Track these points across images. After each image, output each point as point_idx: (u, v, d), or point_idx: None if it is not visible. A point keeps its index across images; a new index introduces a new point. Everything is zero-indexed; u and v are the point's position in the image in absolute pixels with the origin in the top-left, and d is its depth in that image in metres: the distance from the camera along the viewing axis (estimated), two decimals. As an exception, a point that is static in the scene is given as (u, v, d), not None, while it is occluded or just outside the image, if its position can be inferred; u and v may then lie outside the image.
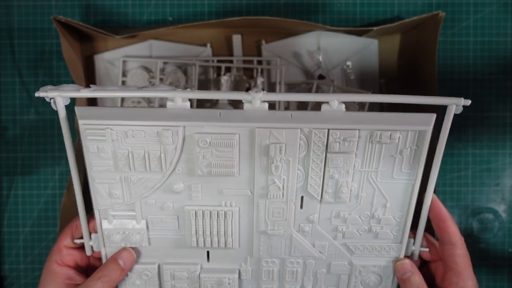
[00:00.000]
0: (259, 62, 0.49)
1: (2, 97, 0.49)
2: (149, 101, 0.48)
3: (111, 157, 0.33)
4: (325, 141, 0.33)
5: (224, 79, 0.47)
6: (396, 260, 0.38)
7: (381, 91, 0.50)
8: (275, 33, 0.49)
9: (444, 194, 0.51)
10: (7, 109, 0.49)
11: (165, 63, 0.48)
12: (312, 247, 0.37)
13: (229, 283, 0.38)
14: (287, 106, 0.47)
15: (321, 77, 0.49)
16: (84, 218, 0.37)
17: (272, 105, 0.46)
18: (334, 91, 0.48)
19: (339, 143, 0.33)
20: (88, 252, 0.38)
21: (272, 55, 0.49)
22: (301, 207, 0.36)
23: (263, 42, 0.49)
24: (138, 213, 0.36)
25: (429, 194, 0.35)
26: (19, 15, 0.48)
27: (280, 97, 0.35)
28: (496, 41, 0.50)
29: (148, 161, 0.34)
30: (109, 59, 0.49)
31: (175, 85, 0.48)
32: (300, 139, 0.33)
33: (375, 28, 0.45)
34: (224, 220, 0.36)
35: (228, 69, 0.48)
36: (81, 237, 0.38)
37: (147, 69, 0.48)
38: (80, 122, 0.32)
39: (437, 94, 0.45)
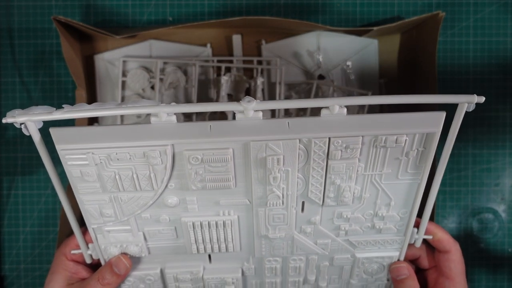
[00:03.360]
0: (259, 62, 0.49)
1: (2, 97, 0.49)
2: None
3: (97, 180, 0.31)
4: (326, 150, 0.30)
5: (224, 79, 0.47)
6: (392, 263, 0.38)
7: (381, 91, 0.50)
8: (275, 33, 0.49)
9: (444, 194, 0.51)
10: (7, 109, 0.49)
11: (165, 63, 0.48)
12: (314, 245, 0.36)
13: (233, 282, 0.38)
14: (287, 108, 0.47)
15: (321, 77, 0.49)
16: (78, 230, 0.36)
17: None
18: (334, 91, 0.48)
19: (341, 151, 0.30)
20: (88, 261, 0.38)
21: (272, 55, 0.49)
22: (302, 210, 0.34)
23: (263, 42, 0.49)
24: (133, 227, 0.35)
25: (436, 185, 0.34)
26: (19, 15, 0.48)
27: (274, 105, 0.29)
28: (496, 41, 0.50)
29: (138, 181, 0.31)
30: (109, 59, 0.49)
31: (175, 85, 0.48)
32: (299, 149, 0.30)
33: (375, 28, 0.45)
34: (224, 229, 0.35)
35: (228, 69, 0.48)
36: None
37: (147, 69, 0.48)
38: (58, 147, 0.30)
39: (437, 94, 0.45)
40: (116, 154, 0.30)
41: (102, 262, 0.38)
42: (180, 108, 0.29)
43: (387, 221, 0.35)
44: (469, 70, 0.50)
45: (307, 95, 0.48)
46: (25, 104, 0.49)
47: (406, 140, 0.30)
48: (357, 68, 0.49)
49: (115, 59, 0.48)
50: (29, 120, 0.29)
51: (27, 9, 0.48)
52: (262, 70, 0.48)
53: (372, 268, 0.38)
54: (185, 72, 0.48)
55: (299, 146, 0.30)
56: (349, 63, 0.49)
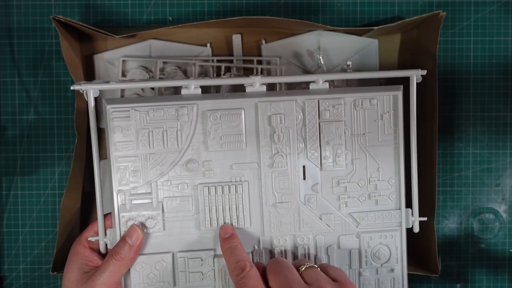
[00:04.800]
0: (259, 62, 0.49)
1: (2, 97, 0.49)
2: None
3: (133, 134, 0.38)
4: (317, 110, 0.39)
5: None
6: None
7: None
8: (275, 33, 0.49)
9: (444, 194, 0.51)
10: (7, 109, 0.49)
11: (164, 62, 0.48)
12: (319, 220, 0.40)
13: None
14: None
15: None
16: (101, 215, 0.38)
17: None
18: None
19: (329, 111, 0.39)
20: (102, 249, 0.39)
21: (272, 55, 0.49)
22: (304, 177, 0.40)
23: (263, 42, 0.49)
24: (154, 195, 0.38)
25: (414, 158, 0.40)
26: (18, 14, 0.48)
27: (275, 79, 0.42)
28: (496, 41, 0.50)
29: (166, 138, 0.38)
30: (109, 58, 0.48)
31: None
32: (296, 110, 0.39)
33: (375, 28, 0.45)
34: (235, 195, 0.39)
35: (228, 69, 0.48)
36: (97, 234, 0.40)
37: (147, 69, 0.48)
38: (108, 107, 0.37)
39: (437, 93, 0.45)
40: (153, 110, 0.38)
41: (118, 238, 0.38)
42: (204, 81, 0.39)
43: (380, 191, 0.40)
44: (469, 70, 0.50)
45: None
46: (25, 104, 0.49)
47: (377, 103, 0.39)
48: (357, 68, 0.49)
49: (115, 58, 0.48)
50: (89, 88, 0.37)
51: (26, 8, 0.48)
52: (262, 70, 0.48)
53: (379, 251, 0.41)
54: (185, 72, 0.48)
55: (295, 108, 0.39)
56: (349, 63, 0.49)
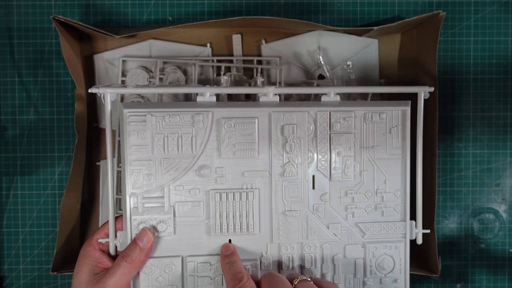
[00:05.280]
0: (259, 62, 0.49)
1: (2, 97, 0.49)
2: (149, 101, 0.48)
3: (149, 139, 0.38)
4: (328, 122, 0.40)
5: (224, 78, 0.47)
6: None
7: (381, 91, 0.50)
8: (275, 33, 0.49)
9: (444, 194, 0.51)
10: (7, 109, 0.49)
11: (164, 62, 0.48)
12: (327, 229, 0.40)
13: (252, 271, 0.40)
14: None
15: (321, 77, 0.49)
16: (112, 217, 0.38)
17: None
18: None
19: (340, 123, 0.40)
20: (112, 251, 0.39)
21: (272, 55, 0.49)
22: (313, 187, 0.40)
23: (263, 42, 0.49)
24: (166, 199, 0.39)
25: (419, 171, 0.41)
26: (18, 14, 0.48)
27: (289, 90, 0.44)
28: (496, 41, 0.50)
29: (181, 143, 0.38)
30: (109, 58, 0.48)
31: (175, 85, 0.48)
32: (308, 121, 0.39)
33: (375, 28, 0.45)
34: (246, 202, 0.39)
35: (228, 69, 0.48)
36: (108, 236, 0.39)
37: (147, 69, 0.48)
38: (126, 111, 0.37)
39: (437, 93, 0.45)
40: (169, 116, 0.38)
41: (129, 241, 0.38)
42: (220, 90, 0.42)
43: (386, 202, 0.41)
44: (469, 70, 0.50)
45: (307, 96, 0.48)
46: (25, 104, 0.49)
47: (386, 117, 0.40)
48: (357, 67, 0.49)
49: (115, 58, 0.48)
50: (107, 91, 0.37)
51: (26, 8, 0.48)
52: (262, 70, 0.48)
53: (383, 262, 0.41)
54: (185, 72, 0.48)
55: (308, 118, 0.39)
56: (349, 63, 0.49)
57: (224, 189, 0.39)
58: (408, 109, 0.40)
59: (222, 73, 0.48)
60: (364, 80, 0.49)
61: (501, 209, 0.51)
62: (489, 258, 0.51)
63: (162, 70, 0.48)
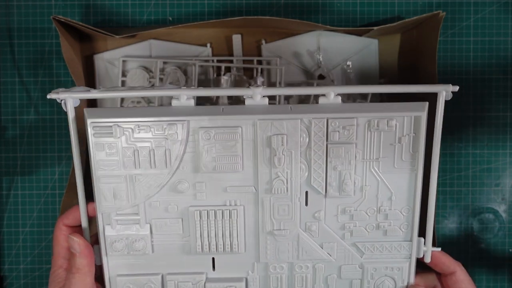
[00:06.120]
0: (259, 62, 0.49)
1: (2, 97, 0.49)
2: (149, 101, 0.48)
3: (118, 153, 0.34)
4: (325, 131, 0.34)
5: (224, 79, 0.47)
6: (410, 286, 0.37)
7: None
8: (275, 33, 0.49)
9: (444, 194, 0.51)
10: (7, 109, 0.49)
11: (165, 63, 0.48)
12: (320, 248, 0.37)
13: None
14: (288, 102, 0.48)
15: (321, 77, 0.49)
16: (83, 203, 0.36)
17: (273, 102, 0.46)
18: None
19: (339, 132, 0.34)
20: (87, 237, 0.37)
21: (272, 55, 0.49)
22: (306, 204, 0.36)
23: (263, 42, 0.49)
24: (142, 216, 0.36)
25: (433, 185, 0.35)
26: (18, 14, 0.48)
27: (279, 91, 0.38)
28: (496, 41, 0.50)
29: (154, 157, 0.34)
30: (109, 59, 0.48)
31: (175, 85, 0.48)
32: (301, 130, 0.34)
33: (375, 28, 0.45)
34: (229, 220, 0.36)
35: (228, 69, 0.48)
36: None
37: (147, 69, 0.48)
38: (89, 121, 0.33)
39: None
40: (139, 127, 0.33)
41: (105, 263, 0.37)
42: (198, 91, 0.34)
43: (391, 220, 0.36)
44: (469, 70, 0.50)
45: (307, 96, 0.48)
46: (25, 104, 0.49)
47: (396, 124, 0.34)
48: (357, 68, 0.49)
49: (115, 59, 0.48)
50: (69, 96, 0.33)
51: (26, 8, 0.48)
52: (262, 70, 0.48)
53: (383, 283, 0.38)
54: (185, 72, 0.48)
55: (300, 127, 0.34)
56: (349, 63, 0.49)
57: (205, 206, 0.35)
58: (424, 115, 0.34)
59: (222, 73, 0.48)
60: (364, 80, 0.49)
61: (501, 209, 0.51)
62: (489, 258, 0.51)
63: (162, 70, 0.48)
